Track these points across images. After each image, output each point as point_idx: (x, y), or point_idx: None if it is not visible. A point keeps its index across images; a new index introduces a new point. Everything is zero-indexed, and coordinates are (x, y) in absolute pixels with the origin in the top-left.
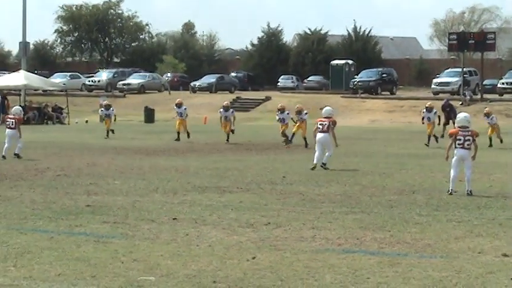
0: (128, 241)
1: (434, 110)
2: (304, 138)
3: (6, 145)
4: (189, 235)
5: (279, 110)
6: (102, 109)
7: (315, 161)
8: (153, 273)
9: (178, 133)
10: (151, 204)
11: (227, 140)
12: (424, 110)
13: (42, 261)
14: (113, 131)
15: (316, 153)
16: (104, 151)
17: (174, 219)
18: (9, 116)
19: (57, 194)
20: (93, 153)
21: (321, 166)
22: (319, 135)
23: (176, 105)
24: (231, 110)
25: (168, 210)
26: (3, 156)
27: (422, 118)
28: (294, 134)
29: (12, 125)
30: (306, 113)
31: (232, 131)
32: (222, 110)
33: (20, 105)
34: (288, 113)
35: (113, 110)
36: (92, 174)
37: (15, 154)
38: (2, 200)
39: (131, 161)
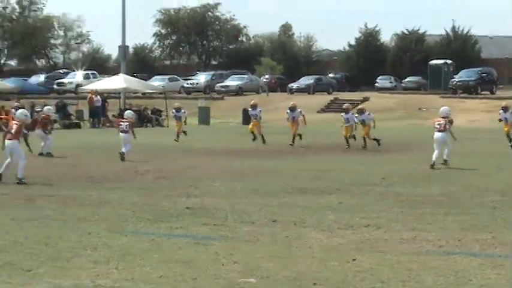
0: (228, 243)
1: (511, 110)
2: (364, 138)
3: (122, 149)
4: (288, 237)
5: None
6: (173, 111)
7: (433, 159)
8: (253, 275)
9: (253, 133)
10: (251, 206)
11: (292, 143)
12: (501, 111)
13: (143, 263)
14: (185, 132)
15: (435, 152)
16: (202, 153)
17: (273, 221)
18: (123, 120)
19: (157, 196)
20: (191, 155)
21: (442, 164)
22: (437, 134)
23: (251, 106)
24: (299, 110)
25: (267, 212)
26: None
27: (499, 120)
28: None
29: (126, 128)
30: (368, 114)
31: (300, 136)
32: (288, 110)
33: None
34: (352, 114)
35: (184, 112)
36: (191, 176)
37: (120, 153)
38: (103, 203)
39: (229, 162)
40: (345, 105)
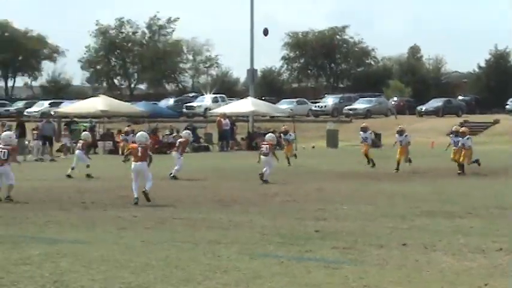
0: (358, 267)
1: None
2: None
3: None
4: (418, 261)
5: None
6: (281, 135)
7: None
8: None
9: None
10: (380, 229)
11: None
12: None
13: (273, 286)
14: (295, 155)
15: None
16: (330, 176)
17: (403, 244)
18: (264, 143)
19: (286, 219)
20: (319, 178)
21: None
22: None
23: (362, 129)
24: (406, 134)
25: (397, 235)
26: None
27: None
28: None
29: (266, 150)
30: (467, 138)
31: (409, 161)
32: (396, 134)
33: (253, 131)
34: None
35: (290, 135)
36: (319, 199)
37: (260, 174)
38: (233, 225)
39: (357, 186)
40: (461, 128)
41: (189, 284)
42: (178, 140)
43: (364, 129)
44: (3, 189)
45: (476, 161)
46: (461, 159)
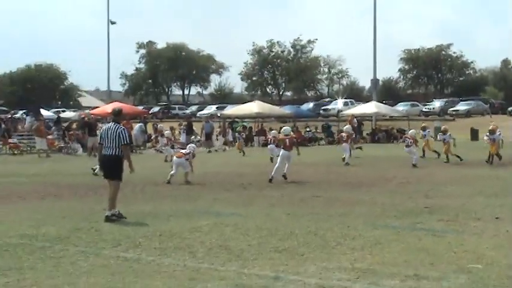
0: (459, 236)
1: None
2: (493, 155)
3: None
4: (509, 231)
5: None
6: (440, 133)
7: None
8: (479, 262)
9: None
10: (477, 205)
11: (488, 160)
12: None
13: (391, 250)
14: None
15: None
16: (437, 163)
17: (496, 218)
18: (407, 136)
19: (402, 198)
20: (429, 165)
21: None
22: None
23: (489, 131)
24: (499, 133)
25: (491, 210)
26: None
27: None
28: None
29: (410, 143)
30: (499, 133)
31: (499, 157)
32: (487, 133)
33: (376, 128)
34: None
35: (428, 131)
36: (429, 181)
37: (413, 164)
38: (359, 202)
39: (459, 171)
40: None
41: (325, 248)
42: (342, 134)
43: (444, 132)
44: (183, 176)
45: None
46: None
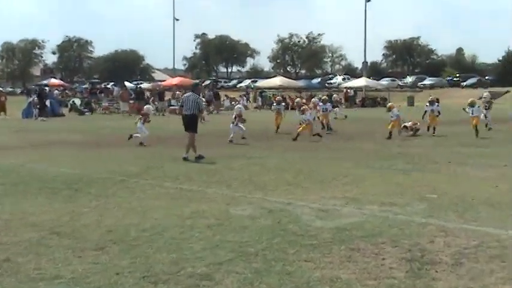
0: (421, 174)
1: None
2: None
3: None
4: (455, 171)
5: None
6: (427, 104)
7: None
8: (435, 193)
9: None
10: (436, 153)
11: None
12: None
13: (372, 184)
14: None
15: None
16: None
17: (449, 162)
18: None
19: (382, 147)
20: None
21: None
22: None
23: (429, 102)
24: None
25: (446, 157)
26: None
27: None
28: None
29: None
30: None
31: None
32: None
33: (363, 97)
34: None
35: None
36: (402, 137)
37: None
38: (351, 149)
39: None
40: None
41: (323, 182)
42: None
43: (432, 102)
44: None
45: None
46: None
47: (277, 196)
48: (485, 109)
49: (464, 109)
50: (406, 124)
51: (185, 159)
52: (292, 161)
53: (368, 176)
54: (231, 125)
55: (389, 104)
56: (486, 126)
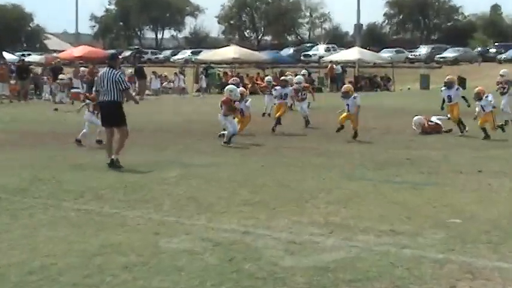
0: (439, 189)
1: None
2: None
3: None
4: (491, 185)
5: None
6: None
7: None
8: (459, 217)
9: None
10: (461, 157)
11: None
12: None
13: (367, 204)
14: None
15: None
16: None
17: (479, 171)
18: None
19: (382, 149)
20: (412, 115)
21: None
22: None
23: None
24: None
25: (474, 163)
26: None
27: None
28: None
29: None
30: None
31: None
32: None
33: (359, 75)
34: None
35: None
36: (411, 133)
37: None
38: (336, 154)
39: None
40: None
41: (298, 201)
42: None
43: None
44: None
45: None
46: None
47: (229, 222)
48: (501, 94)
49: (468, 105)
50: (437, 119)
51: (112, 164)
52: (254, 170)
53: (362, 192)
54: (220, 116)
55: (478, 88)
56: (505, 124)
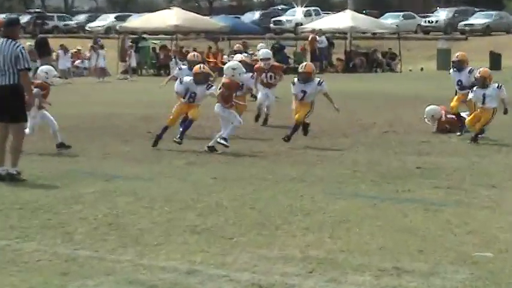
0: (463, 210)
1: None
2: None
3: None
4: None
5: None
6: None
7: None
8: (490, 249)
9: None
10: (493, 166)
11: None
12: None
13: (362, 231)
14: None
15: None
16: (437, 103)
17: None
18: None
19: (384, 154)
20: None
21: None
22: None
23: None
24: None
25: (509, 175)
26: None
27: None
28: None
29: None
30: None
31: None
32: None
33: (351, 50)
34: None
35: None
36: (424, 130)
37: None
38: (320, 161)
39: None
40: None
41: (265, 228)
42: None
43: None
44: None
45: None
46: None
47: (167, 257)
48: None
49: (505, 110)
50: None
51: (14, 177)
52: (204, 184)
53: (355, 215)
54: (219, 107)
55: (483, 69)
56: None
